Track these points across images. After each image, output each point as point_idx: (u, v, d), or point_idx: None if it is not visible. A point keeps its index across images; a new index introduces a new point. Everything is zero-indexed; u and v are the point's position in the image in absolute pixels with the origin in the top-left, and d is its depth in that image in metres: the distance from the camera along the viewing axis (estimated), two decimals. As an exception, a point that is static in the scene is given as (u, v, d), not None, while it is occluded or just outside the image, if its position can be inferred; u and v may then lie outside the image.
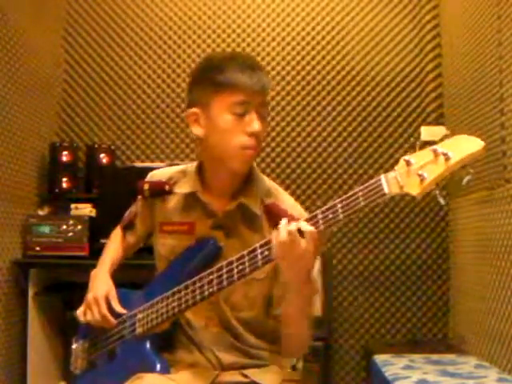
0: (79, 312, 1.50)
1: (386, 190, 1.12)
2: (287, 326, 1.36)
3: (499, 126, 2.35)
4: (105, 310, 1.45)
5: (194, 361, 1.41)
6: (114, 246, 1.62)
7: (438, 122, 3.16)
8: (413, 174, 1.10)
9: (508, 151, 2.27)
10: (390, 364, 2.37)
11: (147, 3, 3.31)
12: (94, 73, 3.28)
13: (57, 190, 2.97)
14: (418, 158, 1.11)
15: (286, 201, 1.46)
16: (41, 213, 2.88)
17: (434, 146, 1.08)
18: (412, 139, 1.14)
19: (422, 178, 1.08)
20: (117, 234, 1.65)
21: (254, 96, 1.33)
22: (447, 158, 1.06)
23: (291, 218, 1.38)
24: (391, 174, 1.13)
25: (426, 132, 3.19)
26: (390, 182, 1.12)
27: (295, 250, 1.18)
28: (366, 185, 1.14)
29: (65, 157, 3.00)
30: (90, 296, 1.47)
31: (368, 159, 3.17)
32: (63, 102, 3.27)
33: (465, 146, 1.06)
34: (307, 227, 1.18)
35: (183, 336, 1.43)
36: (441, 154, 1.07)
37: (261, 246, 1.25)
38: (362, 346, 3.09)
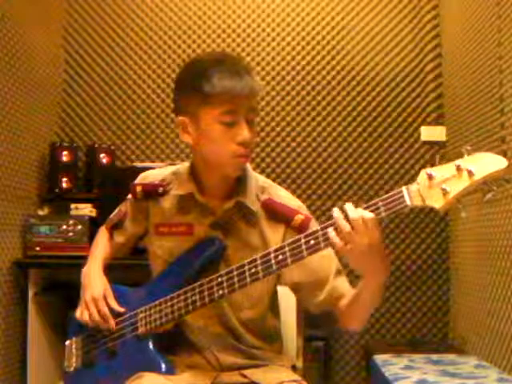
0: (77, 313, 1.49)
1: (408, 202, 1.12)
2: (355, 308, 1.34)
3: (499, 126, 2.35)
4: (106, 310, 1.44)
5: (193, 362, 1.41)
6: (103, 245, 1.60)
7: (437, 122, 3.16)
8: (435, 188, 1.10)
9: (508, 151, 2.27)
10: (390, 364, 2.37)
11: (147, 3, 3.31)
12: (94, 73, 3.28)
13: (57, 190, 2.97)
14: (440, 172, 1.10)
15: (282, 194, 1.46)
16: (41, 213, 2.88)
17: (457, 162, 1.08)
18: (437, 156, 1.14)
19: (444, 192, 1.08)
20: (103, 233, 1.63)
21: (242, 103, 1.31)
22: (471, 174, 1.06)
23: (290, 211, 1.39)
24: (413, 186, 1.12)
25: (426, 132, 3.19)
26: (412, 195, 1.12)
27: (362, 239, 1.14)
28: (387, 196, 1.14)
29: (65, 157, 3.00)
30: (87, 296, 1.47)
31: (368, 159, 3.17)
32: (63, 102, 3.26)
33: (488, 163, 1.06)
34: (368, 214, 1.14)
35: (182, 336, 1.43)
36: (464, 169, 1.07)
37: (275, 251, 1.24)
38: (362, 346, 3.09)
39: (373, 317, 3.10)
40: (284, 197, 1.45)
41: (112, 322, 1.44)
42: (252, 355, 1.42)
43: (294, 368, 1.54)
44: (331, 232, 1.17)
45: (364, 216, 1.14)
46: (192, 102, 1.34)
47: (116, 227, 1.59)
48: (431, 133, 3.16)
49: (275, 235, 1.40)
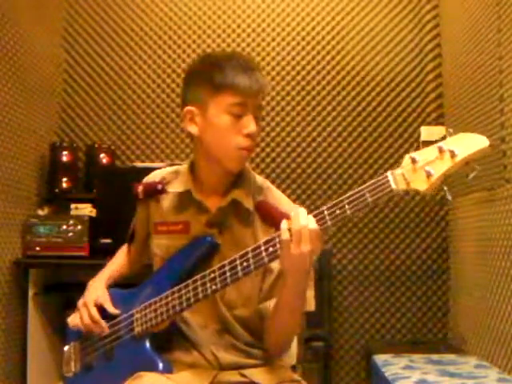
0: (70, 319, 1.51)
1: (393, 186, 1.13)
2: (277, 317, 1.35)
3: (499, 126, 2.35)
4: (95, 314, 1.45)
5: (192, 361, 1.41)
6: (116, 260, 1.64)
7: (437, 122, 3.16)
8: (419, 171, 1.10)
9: (508, 151, 2.27)
10: (390, 364, 2.37)
11: (147, 3, 3.31)
12: (94, 73, 3.29)
13: (57, 190, 2.97)
14: (424, 155, 1.11)
15: (276, 196, 1.47)
16: (41, 213, 2.88)
17: (439, 144, 1.09)
18: (420, 140, 1.15)
19: (428, 174, 1.09)
20: (122, 249, 1.66)
21: (251, 97, 1.34)
22: (453, 155, 1.07)
23: (282, 216, 1.39)
24: (398, 171, 1.13)
25: (426, 132, 3.19)
26: (397, 179, 1.13)
27: (298, 249, 1.18)
28: (373, 181, 1.15)
29: (65, 157, 3.00)
30: (79, 302, 1.49)
31: (368, 159, 3.17)
32: (63, 102, 3.27)
33: (470, 143, 1.07)
34: (313, 225, 1.17)
35: (181, 336, 1.43)
36: (446, 150, 1.08)
37: (265, 243, 1.25)
38: (362, 346, 3.09)
39: (373, 317, 3.11)
40: (279, 199, 1.45)
41: (103, 325, 1.45)
42: (251, 354, 1.42)
43: (293, 368, 1.54)
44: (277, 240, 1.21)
45: (308, 226, 1.17)
46: (202, 92, 1.35)
47: (131, 240, 1.61)
48: (431, 133, 3.16)
49: (265, 237, 1.39)
